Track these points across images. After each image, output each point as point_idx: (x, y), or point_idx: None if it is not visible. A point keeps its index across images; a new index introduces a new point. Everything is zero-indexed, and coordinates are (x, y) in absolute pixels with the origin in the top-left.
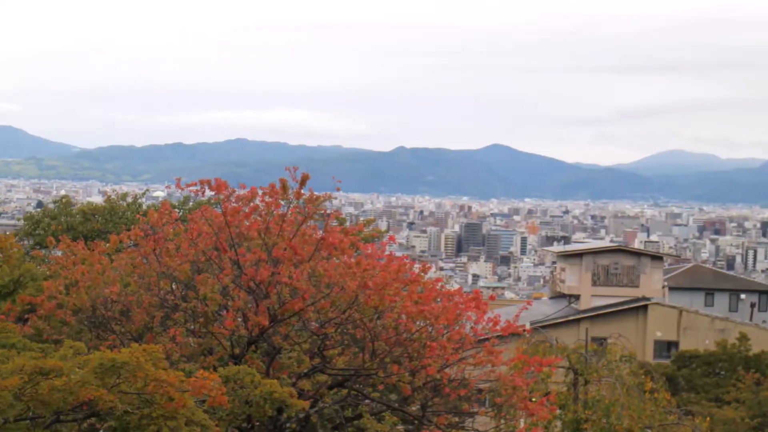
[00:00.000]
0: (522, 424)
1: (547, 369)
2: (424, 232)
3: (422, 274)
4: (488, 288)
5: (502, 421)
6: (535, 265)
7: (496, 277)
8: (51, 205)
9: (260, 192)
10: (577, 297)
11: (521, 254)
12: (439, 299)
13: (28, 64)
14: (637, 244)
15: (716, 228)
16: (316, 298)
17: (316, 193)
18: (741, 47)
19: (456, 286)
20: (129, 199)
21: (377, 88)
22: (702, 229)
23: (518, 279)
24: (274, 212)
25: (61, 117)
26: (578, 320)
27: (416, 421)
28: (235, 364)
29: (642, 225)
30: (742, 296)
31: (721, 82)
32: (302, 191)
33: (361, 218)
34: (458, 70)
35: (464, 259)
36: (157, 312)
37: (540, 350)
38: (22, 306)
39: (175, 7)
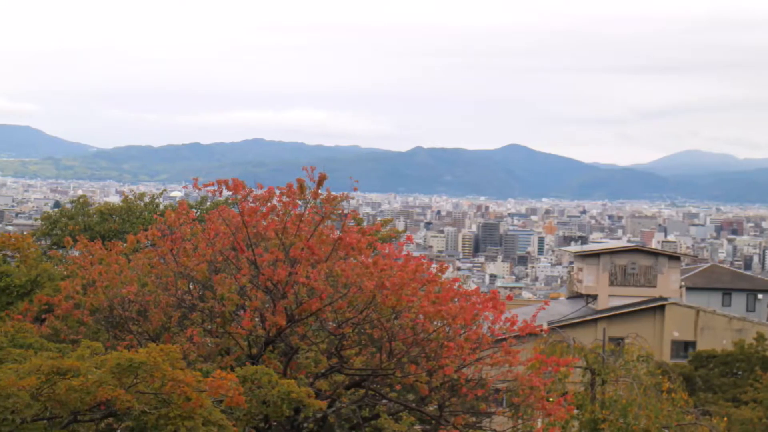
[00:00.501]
0: (539, 424)
1: (564, 369)
2: (442, 232)
3: (439, 274)
4: (505, 288)
5: (520, 421)
6: (553, 265)
7: (514, 277)
8: (68, 205)
9: (277, 192)
10: (595, 297)
11: (538, 254)
12: (456, 299)
13: (46, 64)
14: (654, 244)
15: (733, 228)
16: (333, 298)
17: (333, 193)
18: (760, 47)
19: (473, 286)
20: (146, 199)
21: (395, 88)
22: (719, 229)
23: (535, 279)
24: (292, 212)
25: (79, 117)
26: (595, 320)
27: (433, 421)
28: (253, 364)
29: (659, 225)
30: (760, 296)
31: (739, 82)
32: (319, 191)
33: (379, 218)
34: (474, 69)
35: (481, 259)
36: (175, 312)
37: (557, 350)
38: (40, 306)
39: (193, 8)
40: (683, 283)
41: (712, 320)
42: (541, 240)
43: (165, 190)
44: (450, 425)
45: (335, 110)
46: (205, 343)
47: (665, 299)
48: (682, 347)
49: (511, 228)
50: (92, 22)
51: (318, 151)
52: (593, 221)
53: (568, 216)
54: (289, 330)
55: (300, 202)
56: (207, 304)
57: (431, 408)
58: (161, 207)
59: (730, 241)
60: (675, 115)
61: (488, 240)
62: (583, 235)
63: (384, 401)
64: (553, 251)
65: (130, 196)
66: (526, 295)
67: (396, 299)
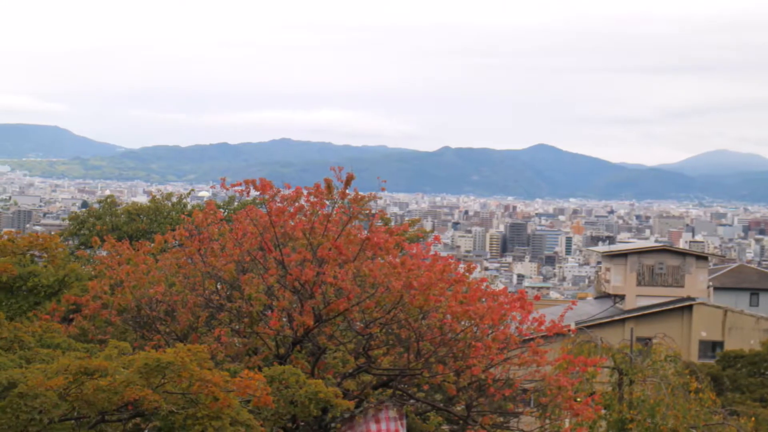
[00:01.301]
0: (567, 425)
1: (592, 369)
2: (469, 232)
3: (467, 274)
4: (533, 288)
5: (547, 421)
6: (580, 265)
7: (541, 277)
8: (96, 205)
9: (305, 192)
10: (622, 297)
11: (566, 254)
12: (484, 299)
13: (74, 64)
14: (682, 244)
15: (761, 228)
16: (361, 298)
17: (360, 193)
18: None
19: (501, 286)
20: (174, 199)
21: (422, 88)
22: (747, 229)
23: (563, 279)
24: (319, 212)
25: (106, 117)
26: (623, 320)
27: (461, 421)
28: (280, 364)
29: (687, 225)
30: None
31: (765, 83)
32: (347, 191)
33: (406, 218)
34: (502, 69)
35: (509, 259)
36: (202, 312)
37: (585, 350)
38: (67, 306)
39: (220, 8)
40: (711, 283)
41: (739, 320)
42: (568, 240)
43: (192, 190)
44: (477, 425)
45: (363, 110)
46: (232, 343)
47: (693, 299)
48: (710, 347)
49: (538, 228)
50: (120, 22)
51: (345, 151)
52: (621, 221)
53: (596, 216)
54: (317, 330)
55: (327, 202)
56: (234, 304)
57: (459, 408)
58: (189, 207)
59: (757, 240)
60: (702, 115)
61: (516, 240)
62: (611, 235)
63: (411, 401)
64: (580, 251)
65: (157, 196)
66: (553, 295)
67: (423, 299)
